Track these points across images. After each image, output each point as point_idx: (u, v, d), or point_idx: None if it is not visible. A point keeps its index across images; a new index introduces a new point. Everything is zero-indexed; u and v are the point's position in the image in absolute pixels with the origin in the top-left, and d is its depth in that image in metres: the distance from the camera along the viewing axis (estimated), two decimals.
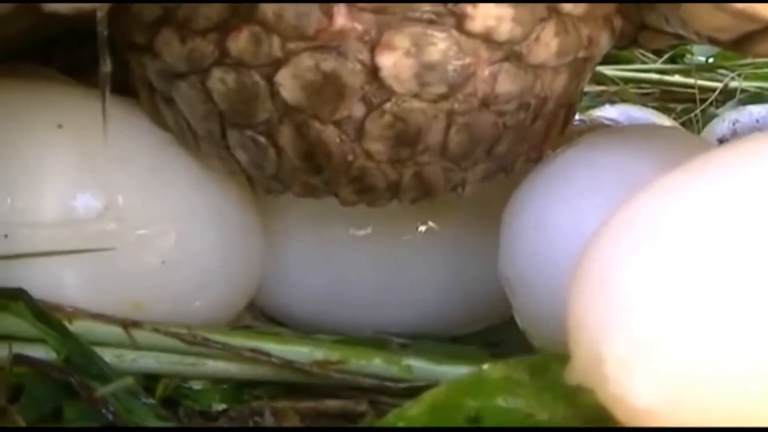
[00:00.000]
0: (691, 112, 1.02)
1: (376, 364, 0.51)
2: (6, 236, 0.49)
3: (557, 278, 0.47)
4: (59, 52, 0.58)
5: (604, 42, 0.51)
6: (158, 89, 0.51)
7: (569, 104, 0.52)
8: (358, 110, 0.47)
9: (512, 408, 0.42)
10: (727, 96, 1.05)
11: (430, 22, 0.45)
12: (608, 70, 1.04)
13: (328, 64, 0.46)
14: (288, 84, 0.46)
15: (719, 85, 1.05)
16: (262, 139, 0.48)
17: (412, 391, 0.47)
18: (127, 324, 0.50)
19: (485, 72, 0.47)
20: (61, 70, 0.57)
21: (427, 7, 0.45)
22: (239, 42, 0.46)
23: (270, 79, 0.47)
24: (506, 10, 0.46)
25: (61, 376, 0.46)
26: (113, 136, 0.49)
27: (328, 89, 0.46)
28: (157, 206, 0.51)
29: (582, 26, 0.49)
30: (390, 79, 0.46)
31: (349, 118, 0.47)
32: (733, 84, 1.06)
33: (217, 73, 0.48)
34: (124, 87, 0.53)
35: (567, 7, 0.48)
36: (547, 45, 0.48)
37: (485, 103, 0.48)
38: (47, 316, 0.49)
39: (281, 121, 0.47)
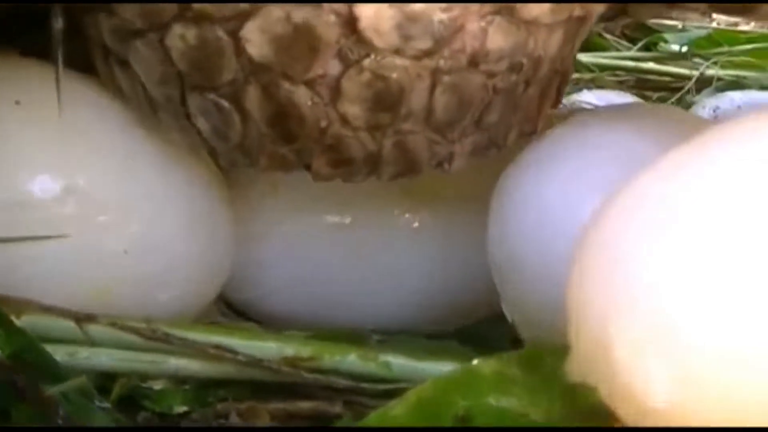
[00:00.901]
0: (667, 100, 1.00)
1: (351, 360, 0.47)
2: None
3: (550, 262, 0.46)
4: (17, 33, 0.55)
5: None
6: (113, 51, 0.47)
7: (563, 71, 0.49)
8: (333, 68, 0.43)
9: (504, 407, 0.38)
10: (702, 84, 1.03)
11: None
12: (583, 57, 1.02)
13: (301, 14, 0.42)
14: (255, 39, 0.43)
15: (695, 73, 1.03)
16: (225, 104, 0.45)
17: (391, 391, 0.44)
18: (81, 318, 0.46)
19: (475, 25, 0.43)
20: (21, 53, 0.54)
21: None
22: None
23: (235, 35, 0.43)
24: None
25: (7, 376, 0.43)
26: (74, 115, 0.47)
27: (299, 44, 0.42)
28: (120, 190, 0.48)
29: None
30: (369, 31, 0.42)
31: (323, 77, 0.43)
32: (710, 72, 1.04)
33: (177, 29, 0.44)
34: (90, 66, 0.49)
35: None
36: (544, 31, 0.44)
37: (474, 62, 0.44)
38: None
39: (247, 82, 0.44)
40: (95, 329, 0.46)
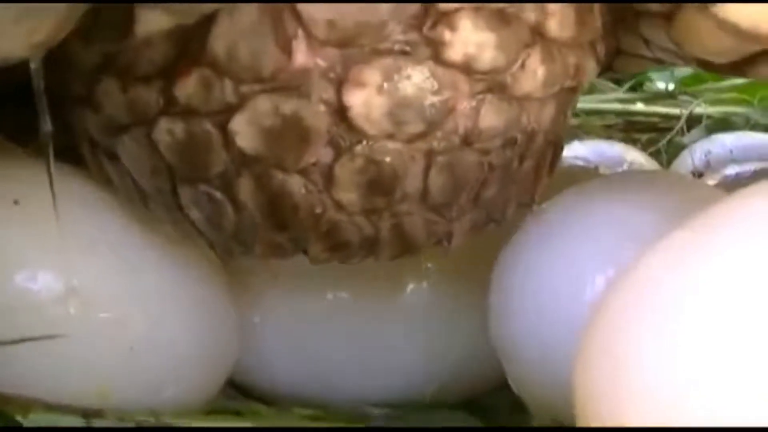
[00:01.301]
0: (657, 141, 1.00)
1: None
2: None
3: (553, 339, 0.45)
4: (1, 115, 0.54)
5: (591, 70, 0.47)
6: (100, 144, 0.47)
7: (556, 141, 0.48)
8: (325, 155, 0.42)
9: None
10: (691, 122, 1.03)
11: (403, 53, 0.41)
12: None
13: (289, 106, 0.41)
14: (244, 131, 0.42)
15: (684, 112, 1.03)
16: (218, 194, 0.44)
17: None
18: (89, 413, 0.46)
19: (466, 106, 0.43)
20: (6, 135, 0.53)
21: (398, 36, 0.41)
22: (187, 88, 0.42)
23: (224, 128, 0.42)
24: (488, 36, 0.42)
25: None
26: (73, 213, 0.46)
27: (290, 134, 0.42)
28: (123, 288, 0.48)
29: (568, 53, 0.45)
30: (360, 119, 0.41)
31: (315, 165, 0.42)
32: (698, 110, 1.04)
33: (163, 124, 0.43)
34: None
35: (553, 31, 0.44)
36: (533, 73, 0.44)
37: (468, 141, 0.43)
38: None
39: (239, 173, 0.43)
40: (102, 424, 0.46)
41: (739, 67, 0.45)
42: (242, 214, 0.44)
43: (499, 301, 0.49)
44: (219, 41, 0.41)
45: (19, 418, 0.45)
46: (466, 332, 0.53)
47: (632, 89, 1.10)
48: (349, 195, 0.43)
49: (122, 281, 0.48)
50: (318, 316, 0.54)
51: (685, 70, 1.09)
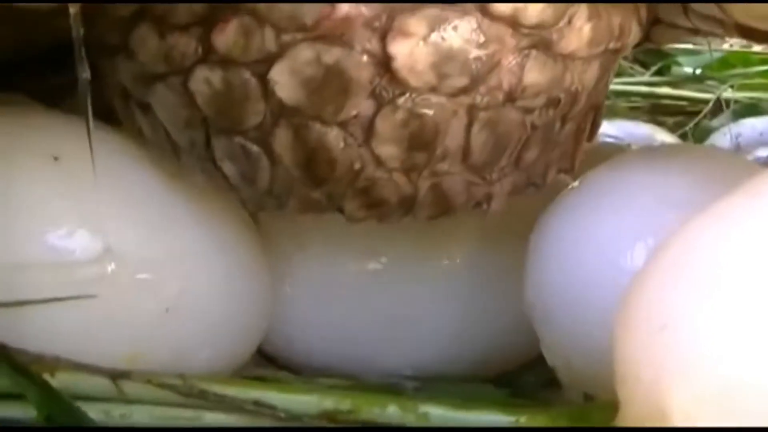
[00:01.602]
0: (683, 125, 0.99)
1: (391, 411, 0.46)
2: None
3: (589, 309, 0.45)
4: (25, 79, 0.54)
5: (634, 32, 0.46)
6: (133, 95, 0.46)
7: (597, 105, 0.48)
8: (366, 108, 0.42)
9: None
10: (717, 107, 1.03)
11: (450, 4, 0.40)
12: None
13: (331, 55, 0.41)
14: (284, 81, 0.41)
15: (710, 96, 1.02)
16: (254, 147, 0.43)
17: None
18: (116, 375, 0.45)
19: (511, 61, 0.42)
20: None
21: None
22: (227, 36, 0.41)
23: (263, 77, 0.41)
24: None
25: None
26: (112, 171, 0.46)
27: (331, 85, 0.41)
28: (161, 249, 0.47)
29: (613, 12, 0.44)
30: (404, 70, 0.41)
31: (355, 118, 0.42)
32: (725, 95, 1.03)
33: (200, 73, 0.42)
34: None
35: None
36: (579, 30, 0.43)
37: (511, 97, 0.43)
38: (26, 369, 0.44)
39: (276, 125, 0.42)
40: (130, 386, 0.45)
41: None
42: (278, 168, 0.44)
43: (535, 269, 0.49)
44: None
45: (46, 377, 0.44)
46: (499, 305, 0.53)
47: (659, 73, 1.09)
48: (389, 149, 0.42)
49: (159, 243, 0.47)
50: (348, 286, 0.53)
51: (712, 55, 1.08)
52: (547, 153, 0.46)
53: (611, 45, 0.45)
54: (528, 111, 0.44)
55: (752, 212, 0.36)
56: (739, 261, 0.34)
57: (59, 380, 0.44)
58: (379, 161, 0.43)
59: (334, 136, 0.42)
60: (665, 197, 0.45)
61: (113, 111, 0.49)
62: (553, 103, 0.44)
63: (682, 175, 0.46)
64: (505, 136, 0.44)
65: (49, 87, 0.54)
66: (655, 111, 1.03)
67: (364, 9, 0.40)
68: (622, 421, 0.36)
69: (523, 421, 0.39)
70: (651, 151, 0.55)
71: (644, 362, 0.35)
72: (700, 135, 0.95)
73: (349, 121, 0.42)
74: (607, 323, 0.38)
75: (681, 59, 1.09)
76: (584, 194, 0.48)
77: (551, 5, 0.42)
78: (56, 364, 0.45)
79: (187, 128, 0.45)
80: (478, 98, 0.42)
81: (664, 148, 0.65)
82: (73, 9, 0.36)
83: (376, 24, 0.40)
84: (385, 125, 0.42)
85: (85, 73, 0.38)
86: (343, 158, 0.43)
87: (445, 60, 0.41)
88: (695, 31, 0.50)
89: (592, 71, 0.45)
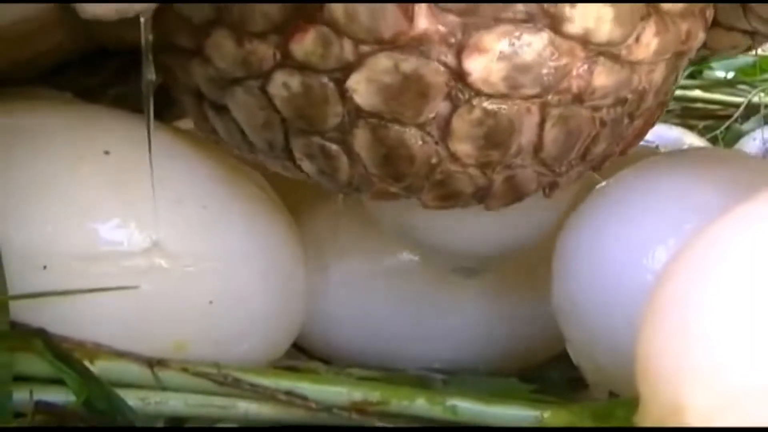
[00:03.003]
0: (714, 128, 1.00)
1: (420, 404, 0.47)
2: (45, 267, 0.46)
3: (615, 309, 0.46)
4: (66, 80, 0.55)
5: (701, 34, 0.47)
6: (207, 97, 0.47)
7: (665, 101, 0.49)
8: (443, 108, 0.42)
9: None
10: (748, 112, 1.03)
11: (523, 22, 0.41)
12: None
13: (409, 65, 0.41)
14: (362, 89, 0.42)
15: (742, 100, 1.02)
16: (333, 146, 0.44)
17: None
18: (153, 363, 0.46)
19: (580, 68, 0.43)
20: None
21: (519, 7, 0.41)
22: (305, 44, 0.42)
23: (341, 83, 0.42)
24: (606, 10, 0.42)
25: (83, 424, 0.43)
26: (161, 166, 0.46)
27: (409, 91, 0.42)
28: (207, 243, 0.48)
29: (680, 21, 0.45)
30: (479, 82, 0.41)
31: (433, 119, 0.42)
32: (755, 99, 1.03)
33: (279, 77, 0.43)
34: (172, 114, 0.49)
35: (667, 4, 0.44)
36: (647, 45, 0.44)
37: (580, 99, 0.43)
38: (67, 356, 0.45)
39: (354, 125, 0.43)
40: (167, 374, 0.46)
41: None
42: (356, 165, 0.44)
43: (563, 268, 0.49)
44: (337, 3, 0.41)
45: (86, 363, 0.46)
46: (527, 302, 0.54)
47: (691, 76, 1.09)
48: (465, 147, 0.43)
49: (203, 238, 0.48)
50: (381, 283, 0.54)
51: (744, 59, 1.08)
52: (614, 147, 0.47)
53: (678, 49, 0.46)
54: (596, 109, 0.44)
55: None
56: (760, 264, 0.35)
57: (99, 367, 0.46)
58: (455, 158, 0.43)
59: (412, 135, 0.43)
60: (690, 201, 0.46)
61: (164, 108, 0.50)
62: (621, 101, 0.45)
63: (708, 178, 0.47)
64: (576, 130, 0.44)
65: (85, 87, 0.55)
66: (686, 114, 1.03)
67: (440, 26, 0.41)
68: (642, 418, 0.37)
69: (547, 416, 0.40)
70: (678, 155, 0.55)
71: (664, 359, 0.35)
72: (731, 139, 0.95)
73: (426, 122, 0.42)
74: (632, 323, 0.38)
75: (713, 63, 1.09)
76: (611, 196, 0.49)
77: (619, 25, 0.42)
78: (96, 351, 0.46)
79: (264, 129, 0.45)
80: (550, 97, 0.43)
81: (690, 151, 0.66)
82: (143, 17, 0.38)
83: (452, 40, 0.41)
84: (461, 124, 0.42)
85: (150, 75, 0.39)
86: (421, 155, 0.43)
87: (518, 73, 0.42)
88: (751, 35, 0.50)
89: (659, 72, 0.46)
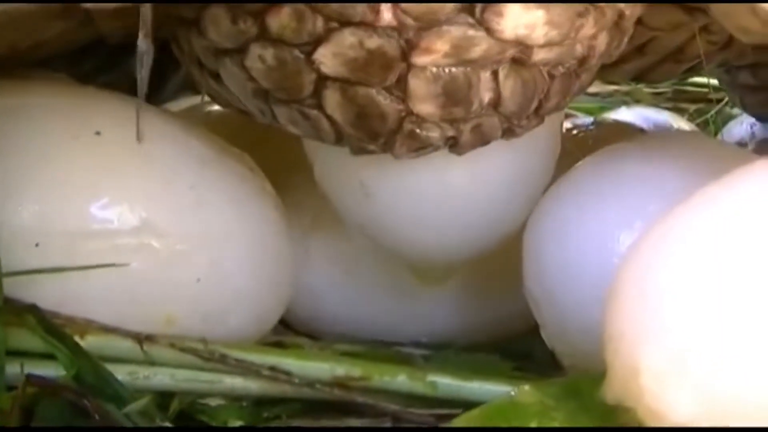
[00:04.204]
0: (705, 112, 1.00)
1: (400, 380, 0.49)
2: (37, 245, 0.47)
3: (585, 291, 0.47)
4: (61, 65, 0.56)
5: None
6: (206, 66, 0.49)
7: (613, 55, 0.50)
8: (402, 70, 0.44)
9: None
10: None
11: (470, 26, 0.43)
12: None
13: (373, 41, 0.43)
14: (328, 62, 0.44)
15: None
16: (312, 112, 0.46)
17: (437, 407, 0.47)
18: (141, 338, 0.48)
19: (520, 52, 0.45)
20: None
21: (460, 19, 0.43)
22: (281, 18, 0.44)
23: (310, 55, 0.44)
24: (537, 14, 0.44)
25: (74, 397, 0.45)
26: (151, 147, 0.48)
27: (374, 65, 0.44)
28: (195, 222, 0.50)
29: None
30: (429, 64, 0.44)
31: (397, 82, 0.44)
32: None
33: (255, 50, 0.45)
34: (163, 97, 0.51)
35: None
36: (587, 37, 0.46)
37: (525, 65, 0.46)
38: (57, 331, 0.47)
39: (325, 86, 0.45)
40: (155, 349, 0.48)
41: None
42: (336, 126, 0.46)
43: (531, 254, 0.51)
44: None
45: (77, 338, 0.47)
46: (503, 278, 0.55)
47: None
48: (427, 107, 0.45)
49: (192, 218, 0.50)
50: (364, 259, 0.56)
51: None
52: (563, 101, 0.48)
53: (618, 19, 0.47)
54: (546, 64, 0.46)
55: (730, 199, 0.39)
56: (712, 242, 0.37)
57: (89, 342, 0.47)
58: (420, 118, 0.45)
59: (379, 94, 0.45)
60: (656, 185, 0.47)
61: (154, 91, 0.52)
62: (565, 66, 0.47)
63: (674, 163, 0.48)
64: (530, 83, 0.46)
65: (75, 74, 0.56)
66: (677, 98, 1.04)
67: (408, 21, 0.43)
68: (608, 383, 0.38)
69: (516, 393, 0.41)
70: (643, 140, 0.56)
71: (625, 329, 0.38)
72: (722, 123, 0.95)
73: (391, 86, 0.44)
74: (599, 302, 0.40)
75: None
76: (579, 182, 0.50)
77: (555, 27, 0.44)
78: (86, 326, 0.48)
79: (254, 98, 0.47)
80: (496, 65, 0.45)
81: (658, 136, 0.67)
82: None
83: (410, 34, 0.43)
84: (418, 84, 0.44)
85: (145, 45, 0.40)
86: (392, 111, 0.45)
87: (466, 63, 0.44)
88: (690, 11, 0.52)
89: (601, 41, 0.47)
